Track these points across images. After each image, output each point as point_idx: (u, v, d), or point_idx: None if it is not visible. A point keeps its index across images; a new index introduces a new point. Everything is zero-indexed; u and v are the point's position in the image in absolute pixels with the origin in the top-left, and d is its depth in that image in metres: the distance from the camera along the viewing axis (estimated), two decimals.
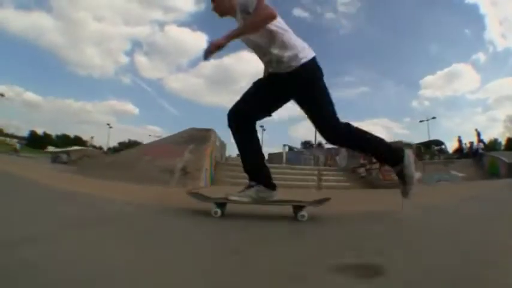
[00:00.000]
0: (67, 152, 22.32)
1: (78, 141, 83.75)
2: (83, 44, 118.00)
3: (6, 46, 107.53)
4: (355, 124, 1.80)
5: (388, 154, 1.83)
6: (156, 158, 7.24)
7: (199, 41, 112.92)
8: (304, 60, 1.73)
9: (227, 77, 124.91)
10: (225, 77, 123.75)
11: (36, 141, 71.20)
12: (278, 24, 1.72)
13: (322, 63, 1.81)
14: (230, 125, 1.85)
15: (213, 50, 1.68)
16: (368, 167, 9.63)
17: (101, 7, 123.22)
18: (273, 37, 1.71)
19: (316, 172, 9.02)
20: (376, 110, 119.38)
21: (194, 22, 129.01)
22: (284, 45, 1.72)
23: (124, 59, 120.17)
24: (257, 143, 1.88)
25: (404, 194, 1.83)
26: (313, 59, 1.79)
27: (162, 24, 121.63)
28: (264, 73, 1.94)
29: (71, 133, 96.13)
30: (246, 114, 1.83)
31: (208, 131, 8.61)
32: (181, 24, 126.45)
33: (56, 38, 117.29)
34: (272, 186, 1.88)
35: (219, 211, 1.77)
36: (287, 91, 1.82)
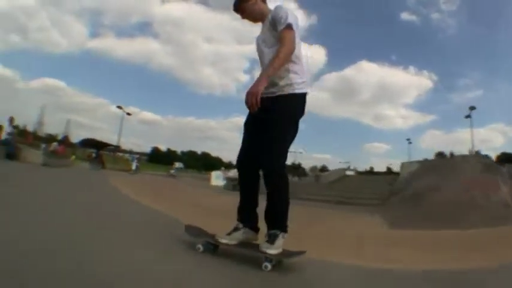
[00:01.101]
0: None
1: (207, 157, 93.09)
2: (198, 64, 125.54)
3: (112, 70, 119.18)
4: None
5: (282, 219, 1.79)
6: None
7: (319, 54, 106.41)
8: (296, 91, 1.80)
9: (351, 89, 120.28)
10: (349, 89, 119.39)
11: (159, 157, 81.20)
12: (296, 51, 1.80)
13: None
14: (238, 172, 2.01)
15: (255, 100, 1.63)
16: None
17: (208, 29, 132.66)
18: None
19: None
20: (492, 114, 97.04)
21: (310, 36, 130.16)
22: (287, 71, 1.79)
23: (244, 77, 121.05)
24: (257, 190, 1.96)
25: (260, 247, 1.72)
26: (304, 95, 1.85)
27: None
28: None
29: (198, 149, 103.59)
30: (247, 164, 1.94)
31: None
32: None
33: (168, 60, 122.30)
34: (256, 230, 1.95)
35: (201, 247, 1.85)
36: (267, 113, 1.77)
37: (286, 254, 1.75)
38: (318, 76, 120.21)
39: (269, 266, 1.62)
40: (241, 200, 1.97)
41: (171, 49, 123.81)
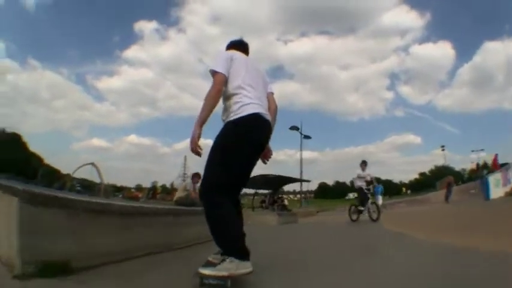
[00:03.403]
0: None
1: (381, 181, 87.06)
2: (341, 93, 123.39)
3: None
4: None
5: (224, 243, 1.78)
6: None
7: (445, 49, 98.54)
8: (235, 117, 1.87)
9: (485, 76, 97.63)
10: (483, 77, 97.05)
11: (326, 192, 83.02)
12: (235, 83, 1.94)
13: None
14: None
15: (195, 146, 1.84)
16: None
17: (340, 56, 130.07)
18: (227, 95, 1.97)
19: None
20: None
21: (431, 34, 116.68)
22: (229, 104, 1.95)
23: (388, 95, 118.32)
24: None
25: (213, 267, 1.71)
26: (244, 117, 1.86)
27: (405, 49, 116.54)
28: None
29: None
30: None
31: None
32: (422, 41, 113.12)
33: (310, 97, 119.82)
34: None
35: None
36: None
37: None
38: (453, 72, 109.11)
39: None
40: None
41: (310, 86, 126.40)
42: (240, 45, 2.28)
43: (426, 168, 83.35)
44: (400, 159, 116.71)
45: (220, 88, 1.90)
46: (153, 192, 49.87)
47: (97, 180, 28.16)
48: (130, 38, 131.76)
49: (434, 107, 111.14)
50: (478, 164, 21.31)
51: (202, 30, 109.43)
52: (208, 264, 1.76)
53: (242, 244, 1.79)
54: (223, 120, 1.95)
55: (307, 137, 23.41)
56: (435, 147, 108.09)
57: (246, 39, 2.35)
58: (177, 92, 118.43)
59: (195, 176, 6.96)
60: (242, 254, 1.72)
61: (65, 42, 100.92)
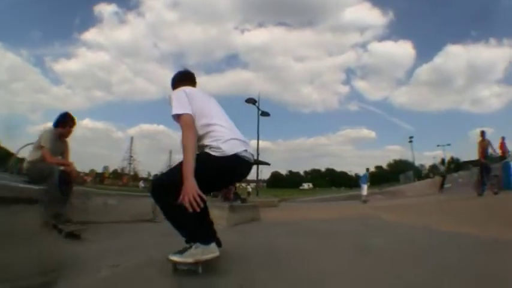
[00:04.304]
0: None
1: (333, 173, 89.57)
2: (295, 85, 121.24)
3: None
4: None
5: (187, 233, 1.87)
6: None
7: (406, 48, 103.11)
8: (218, 153, 1.82)
9: (445, 78, 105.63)
10: (443, 78, 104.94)
11: (279, 181, 79.86)
12: (203, 120, 1.89)
13: None
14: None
15: (194, 198, 1.62)
16: None
17: (296, 48, 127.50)
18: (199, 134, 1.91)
19: None
20: None
21: (393, 32, 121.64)
22: (205, 137, 1.89)
23: (344, 89, 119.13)
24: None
25: (180, 254, 1.78)
26: (228, 157, 1.81)
27: (363, 45, 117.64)
28: None
29: (321, 167, 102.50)
30: None
31: None
32: (381, 38, 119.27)
33: (264, 87, 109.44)
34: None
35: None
36: None
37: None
38: (411, 71, 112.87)
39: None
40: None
41: (263, 75, 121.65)
42: (188, 78, 2.25)
43: (381, 162, 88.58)
44: (353, 152, 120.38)
45: (194, 128, 1.83)
46: (101, 177, 47.77)
47: None
48: (90, 20, 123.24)
49: (390, 104, 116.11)
50: (443, 159, 23.39)
51: (161, 15, 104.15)
52: (178, 251, 1.81)
53: (206, 229, 1.90)
54: (200, 149, 1.88)
55: (265, 113, 19.05)
56: (389, 143, 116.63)
57: (190, 72, 2.31)
58: (131, 77, 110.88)
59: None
60: (207, 238, 1.81)
61: (27, 23, 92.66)
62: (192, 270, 1.75)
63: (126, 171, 65.49)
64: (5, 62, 79.34)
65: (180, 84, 2.15)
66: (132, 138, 71.13)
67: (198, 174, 1.70)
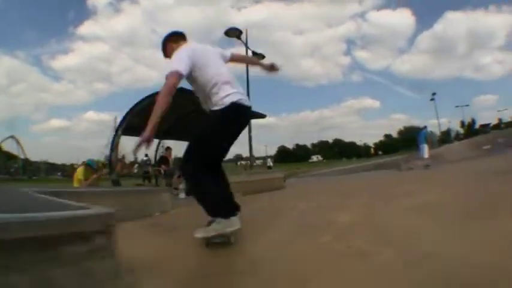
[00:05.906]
0: None
1: (340, 143, 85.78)
2: (297, 59, 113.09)
3: None
4: None
5: (209, 210, 1.99)
6: None
7: (405, 17, 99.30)
8: (221, 107, 1.98)
9: (444, 44, 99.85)
10: (443, 46, 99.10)
11: (287, 156, 78.25)
12: (209, 77, 2.01)
13: None
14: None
15: (143, 144, 1.87)
16: None
17: (295, 22, 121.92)
18: (204, 88, 2.05)
19: None
20: None
21: (391, 1, 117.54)
22: (208, 98, 2.05)
23: (345, 60, 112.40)
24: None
25: (204, 229, 1.94)
26: (229, 106, 1.98)
27: (362, 15, 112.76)
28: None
29: (328, 139, 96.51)
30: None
31: None
32: (380, 7, 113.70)
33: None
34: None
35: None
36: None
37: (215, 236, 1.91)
38: (412, 39, 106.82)
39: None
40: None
41: (264, 51, 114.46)
42: (183, 36, 2.31)
43: (387, 131, 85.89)
44: (359, 122, 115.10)
45: (173, 92, 1.90)
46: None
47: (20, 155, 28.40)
48: (84, 13, 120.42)
49: (393, 73, 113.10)
50: (462, 121, 21.37)
51: (156, 1, 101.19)
52: (202, 228, 1.94)
53: (226, 204, 1.98)
54: (206, 109, 2.09)
55: (256, 53, 12.89)
56: (394, 112, 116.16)
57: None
58: (132, 65, 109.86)
59: None
60: (228, 212, 1.91)
61: (20, 25, 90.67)
62: (224, 241, 1.93)
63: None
64: (2, 66, 78.31)
65: (180, 40, 2.24)
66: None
67: (209, 131, 2.01)
